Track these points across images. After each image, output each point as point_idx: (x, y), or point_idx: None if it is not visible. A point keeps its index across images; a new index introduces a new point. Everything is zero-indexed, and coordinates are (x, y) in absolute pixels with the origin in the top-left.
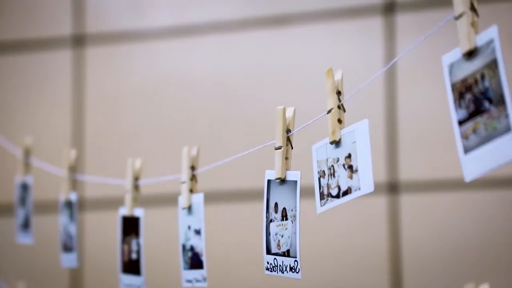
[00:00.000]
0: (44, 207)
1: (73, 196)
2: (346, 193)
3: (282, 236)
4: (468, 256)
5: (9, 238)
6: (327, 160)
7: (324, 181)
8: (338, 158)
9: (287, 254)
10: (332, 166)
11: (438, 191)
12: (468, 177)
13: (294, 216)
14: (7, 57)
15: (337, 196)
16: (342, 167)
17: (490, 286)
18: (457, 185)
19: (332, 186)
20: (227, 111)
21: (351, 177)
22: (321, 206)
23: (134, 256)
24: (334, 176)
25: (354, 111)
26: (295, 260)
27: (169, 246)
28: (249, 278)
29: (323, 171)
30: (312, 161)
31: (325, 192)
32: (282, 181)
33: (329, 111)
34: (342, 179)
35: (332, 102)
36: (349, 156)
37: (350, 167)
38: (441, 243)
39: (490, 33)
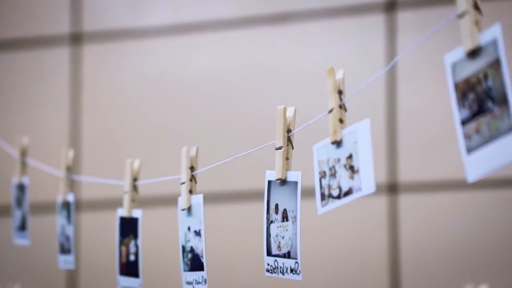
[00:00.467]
0: (41, 208)
1: (70, 197)
2: (347, 193)
3: (282, 238)
4: (467, 256)
5: (6, 240)
6: (328, 160)
7: (325, 182)
8: (339, 159)
9: (287, 255)
10: (333, 166)
11: (438, 191)
12: (471, 177)
13: (295, 217)
14: (4, 55)
15: (338, 197)
16: (343, 167)
17: (490, 287)
18: (457, 185)
19: (333, 186)
20: (226, 111)
21: (352, 178)
22: (322, 207)
23: (132, 257)
24: (335, 176)
25: (354, 111)
26: (296, 262)
27: (168, 247)
28: (250, 280)
29: (324, 172)
30: (313, 162)
31: (326, 192)
32: (283, 181)
33: (330, 111)
34: (343, 179)
35: (333, 102)
36: (350, 156)
37: (351, 167)
38: (440, 243)
39: (493, 32)
